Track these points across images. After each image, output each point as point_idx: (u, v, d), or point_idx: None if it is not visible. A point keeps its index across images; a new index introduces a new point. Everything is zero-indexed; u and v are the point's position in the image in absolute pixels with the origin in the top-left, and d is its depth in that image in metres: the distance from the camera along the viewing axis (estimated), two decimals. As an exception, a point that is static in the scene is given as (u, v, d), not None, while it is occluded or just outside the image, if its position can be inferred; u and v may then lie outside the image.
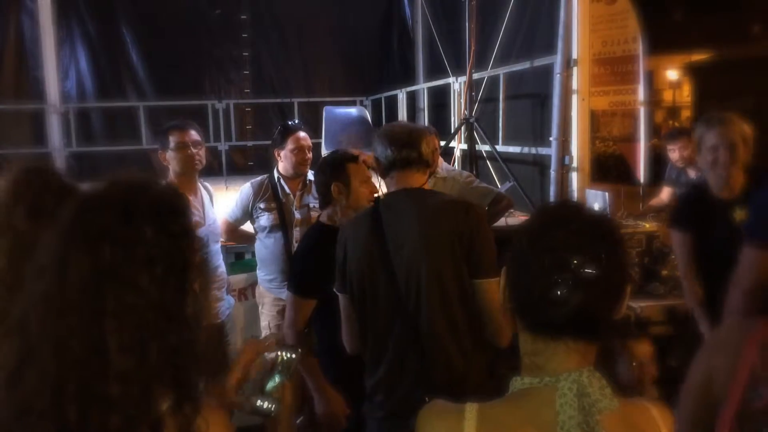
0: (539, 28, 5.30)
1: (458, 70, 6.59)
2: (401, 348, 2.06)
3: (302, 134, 3.49)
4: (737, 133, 2.74)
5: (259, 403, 1.16)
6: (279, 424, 1.17)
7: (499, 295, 1.17)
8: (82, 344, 0.89)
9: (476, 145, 5.46)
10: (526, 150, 5.40)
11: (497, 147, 5.45)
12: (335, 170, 2.61)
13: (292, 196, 3.51)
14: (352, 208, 2.56)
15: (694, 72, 11.84)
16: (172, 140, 3.19)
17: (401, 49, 9.51)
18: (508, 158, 5.32)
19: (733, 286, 2.17)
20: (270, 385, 1.17)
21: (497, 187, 4.95)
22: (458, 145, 6.00)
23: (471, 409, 1.07)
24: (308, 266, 2.58)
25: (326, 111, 6.64)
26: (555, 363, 1.07)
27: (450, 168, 4.09)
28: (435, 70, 7.86)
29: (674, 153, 4.58)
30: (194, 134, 3.38)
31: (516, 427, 1.05)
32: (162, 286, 0.93)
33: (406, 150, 2.15)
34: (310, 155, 3.52)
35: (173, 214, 0.98)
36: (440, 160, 3.70)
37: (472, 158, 5.28)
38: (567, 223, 1.07)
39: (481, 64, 6.33)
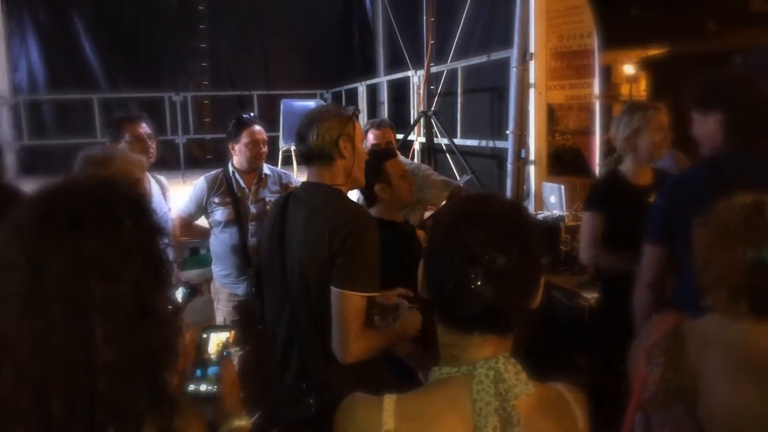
0: (496, 22, 5.34)
1: (418, 64, 6.60)
2: (285, 338, 2.07)
3: (257, 128, 3.44)
4: (658, 120, 2.83)
5: (195, 387, 1.15)
6: (222, 402, 1.16)
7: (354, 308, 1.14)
8: (67, 338, 0.87)
9: (435, 138, 5.48)
10: (483, 143, 5.44)
11: (455, 140, 5.48)
12: (375, 171, 2.60)
13: (247, 190, 3.46)
14: (396, 204, 2.63)
15: (650, 66, 12.05)
16: (124, 132, 3.13)
17: (362, 42, 9.50)
18: (466, 151, 5.35)
19: (637, 280, 2.27)
20: (206, 368, 1.16)
21: (456, 179, 4.98)
22: (417, 139, 6.02)
23: (389, 400, 1.07)
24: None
25: (284, 104, 6.59)
26: (471, 353, 1.09)
27: (408, 162, 4.10)
28: (395, 63, 7.87)
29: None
30: (146, 127, 3.33)
31: (434, 414, 1.06)
32: (141, 279, 0.92)
33: (298, 141, 2.08)
34: (265, 149, 3.48)
35: (145, 211, 0.98)
36: (398, 154, 3.70)
37: (430, 151, 5.29)
38: (478, 217, 1.08)
39: (440, 57, 6.35)
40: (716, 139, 2.17)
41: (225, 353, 1.18)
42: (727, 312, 1.37)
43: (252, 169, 3.46)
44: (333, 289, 1.89)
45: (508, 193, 4.35)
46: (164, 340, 0.94)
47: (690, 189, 2.19)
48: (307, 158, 2.06)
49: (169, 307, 0.98)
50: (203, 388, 1.14)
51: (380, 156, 2.69)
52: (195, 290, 2.05)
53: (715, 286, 1.38)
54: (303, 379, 1.98)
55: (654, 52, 11.79)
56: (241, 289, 3.44)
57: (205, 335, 1.20)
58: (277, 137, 6.41)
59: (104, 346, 0.88)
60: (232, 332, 1.21)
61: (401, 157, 3.84)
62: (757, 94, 2.16)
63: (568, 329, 3.79)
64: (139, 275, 0.92)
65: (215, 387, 1.15)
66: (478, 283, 1.04)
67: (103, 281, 0.89)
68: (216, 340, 1.20)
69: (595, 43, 5.70)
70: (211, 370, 1.17)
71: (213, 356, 1.18)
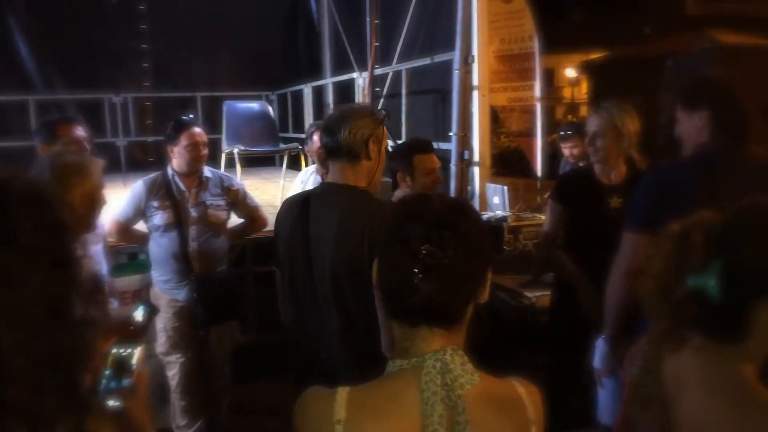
0: (440, 25, 5.38)
1: (364, 66, 6.59)
2: (314, 337, 2.04)
3: (197, 130, 3.38)
4: (614, 123, 2.91)
5: (105, 401, 1.11)
6: (131, 419, 1.12)
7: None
8: None
9: (381, 140, 5.48)
10: (429, 145, 5.46)
11: (400, 142, 5.48)
12: (401, 159, 2.69)
13: (187, 193, 3.40)
14: None
15: (590, 70, 12.37)
16: (59, 135, 3.03)
17: (307, 43, 9.43)
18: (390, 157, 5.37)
19: (614, 269, 2.29)
20: (113, 382, 1.12)
21: (401, 182, 4.99)
22: (363, 141, 6.01)
23: (342, 392, 1.12)
24: None
25: (227, 106, 6.48)
26: (420, 346, 1.12)
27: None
28: (341, 64, 7.84)
29: (566, 150, 4.76)
30: (81, 129, 3.24)
31: (383, 405, 1.10)
32: (48, 281, 0.87)
33: (328, 137, 2.06)
34: (205, 151, 3.42)
35: (47, 207, 0.92)
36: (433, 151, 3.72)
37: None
38: (419, 215, 1.12)
39: (385, 59, 6.36)
40: (702, 137, 2.21)
41: (133, 367, 1.14)
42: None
43: (192, 172, 3.40)
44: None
45: (452, 194, 4.38)
46: (76, 341, 0.90)
47: (677, 181, 2.22)
48: (333, 153, 2.04)
49: (88, 305, 0.94)
50: (111, 402, 1.09)
51: (414, 147, 2.75)
52: (155, 308, 2.00)
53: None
54: (331, 380, 1.94)
55: (595, 56, 12.11)
56: (181, 295, 3.37)
57: (115, 349, 1.15)
58: (221, 139, 6.30)
59: (12, 352, 0.84)
60: (142, 347, 1.16)
61: None
62: (742, 95, 2.22)
63: (515, 328, 3.85)
64: (45, 278, 0.87)
65: (120, 404, 1.10)
66: (419, 277, 1.08)
67: (5, 289, 0.84)
68: (126, 354, 1.15)
69: (536, 46, 5.83)
70: (117, 384, 1.12)
71: (123, 370, 1.13)
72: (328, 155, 2.08)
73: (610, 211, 2.86)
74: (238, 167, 5.67)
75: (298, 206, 2.10)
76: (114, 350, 1.14)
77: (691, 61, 2.82)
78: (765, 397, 1.15)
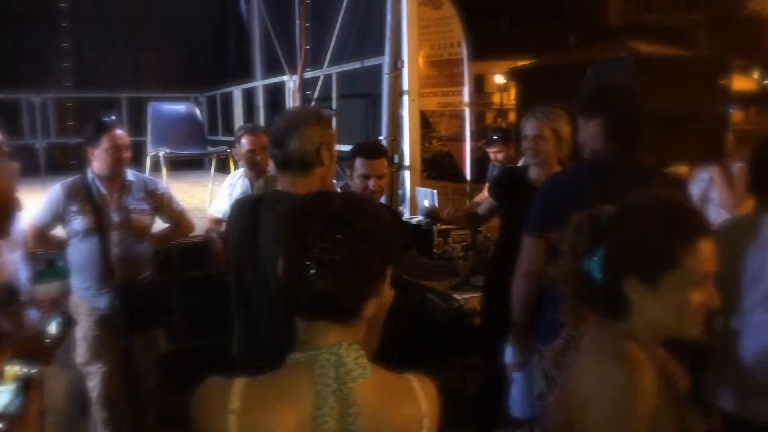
0: (370, 29, 5.41)
1: (294, 68, 6.55)
2: (260, 345, 2.00)
3: (119, 132, 3.28)
4: (553, 126, 3.01)
5: None
6: None
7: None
8: None
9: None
10: (359, 149, 5.48)
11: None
12: (349, 158, 2.84)
13: (109, 197, 3.29)
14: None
15: (518, 76, 12.66)
16: None
17: (237, 44, 9.27)
18: (342, 157, 5.36)
19: (516, 270, 2.42)
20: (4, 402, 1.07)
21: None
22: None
23: (239, 383, 1.13)
24: None
25: (152, 107, 6.31)
26: (318, 339, 1.15)
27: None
28: (272, 67, 7.76)
29: (492, 155, 4.86)
30: None
31: (278, 396, 1.12)
32: None
33: (276, 149, 1.99)
34: (128, 154, 3.32)
35: None
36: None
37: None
38: (314, 212, 1.15)
39: (316, 62, 6.34)
40: (597, 143, 2.31)
41: (21, 386, 1.09)
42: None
43: (114, 176, 3.30)
44: None
45: (383, 198, 4.40)
46: None
47: (570, 188, 2.33)
48: (284, 165, 1.98)
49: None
50: None
51: (358, 149, 2.88)
52: (71, 319, 1.92)
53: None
54: None
55: (522, 63, 12.45)
56: (102, 302, 3.26)
57: (15, 367, 1.10)
58: (145, 142, 6.13)
59: None
60: (36, 370, 1.12)
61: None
62: (635, 104, 2.33)
63: (445, 329, 3.90)
64: None
65: (7, 426, 1.05)
66: (312, 273, 1.11)
67: None
68: (23, 373, 1.10)
69: (464, 52, 5.94)
70: (7, 406, 1.07)
71: (18, 390, 1.08)
72: (278, 167, 2.03)
73: None
74: (164, 170, 5.53)
75: (247, 211, 2.04)
76: (12, 367, 1.09)
77: (609, 68, 2.93)
78: (636, 355, 1.26)
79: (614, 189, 2.12)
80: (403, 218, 3.43)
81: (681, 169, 3.88)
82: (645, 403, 1.22)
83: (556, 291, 2.28)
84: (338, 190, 4.26)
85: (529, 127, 3.06)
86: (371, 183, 2.80)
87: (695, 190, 3.80)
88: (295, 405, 1.11)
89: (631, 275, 1.30)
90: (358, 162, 2.82)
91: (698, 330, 1.30)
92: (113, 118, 3.51)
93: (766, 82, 17.46)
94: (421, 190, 4.86)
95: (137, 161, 4.95)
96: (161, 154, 5.66)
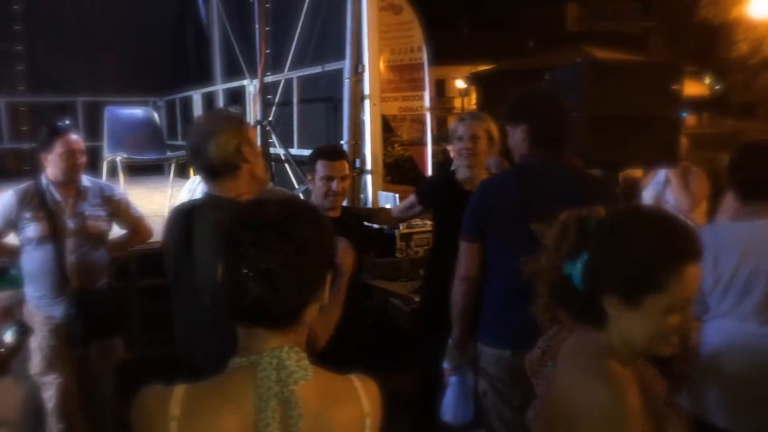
0: (330, 33, 5.40)
1: (255, 72, 6.50)
2: (198, 352, 1.97)
3: (73, 137, 3.21)
4: (486, 128, 3.08)
5: None
6: None
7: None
8: None
9: (272, 149, 5.43)
10: (321, 153, 5.47)
11: (292, 150, 5.47)
12: (309, 162, 2.83)
13: (64, 203, 3.22)
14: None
15: (478, 81, 12.83)
16: None
17: (197, 48, 9.15)
18: (303, 161, 5.35)
19: (455, 274, 2.47)
20: None
21: (294, 189, 4.97)
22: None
23: (179, 389, 1.13)
24: None
25: (108, 111, 6.20)
26: (259, 344, 1.16)
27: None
28: (232, 71, 7.69)
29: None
30: None
31: (219, 401, 1.12)
32: None
33: (197, 159, 2.01)
34: (82, 159, 3.25)
35: None
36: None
37: (267, 161, 5.23)
38: (250, 220, 1.16)
39: (277, 67, 6.31)
40: (523, 149, 2.37)
41: None
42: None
43: (68, 181, 3.23)
44: None
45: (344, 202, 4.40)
46: None
47: (498, 193, 2.42)
48: (210, 172, 1.98)
49: None
50: None
51: (319, 151, 2.89)
52: (27, 328, 1.87)
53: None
54: None
55: (482, 68, 12.61)
56: (57, 311, 3.18)
57: None
58: (102, 147, 6.02)
59: None
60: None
61: None
62: (559, 109, 2.39)
63: (408, 333, 3.92)
64: None
65: None
66: (248, 280, 1.11)
67: None
68: None
69: (425, 57, 5.98)
70: None
71: None
72: (206, 177, 2.04)
73: None
74: (121, 176, 5.43)
75: (182, 219, 2.05)
76: None
77: (565, 74, 2.99)
78: (620, 373, 1.24)
79: (539, 192, 2.21)
80: (364, 222, 3.42)
81: (636, 172, 3.97)
82: (635, 423, 1.20)
83: (491, 296, 2.33)
84: (300, 195, 4.26)
85: (464, 129, 3.11)
86: (334, 184, 2.79)
87: (650, 192, 3.89)
88: (237, 409, 1.11)
89: (611, 290, 1.26)
90: (320, 164, 2.81)
91: (668, 350, 1.27)
92: (67, 122, 3.42)
93: (717, 87, 18.00)
94: (384, 194, 4.87)
95: (94, 167, 4.85)
96: (118, 159, 5.57)
